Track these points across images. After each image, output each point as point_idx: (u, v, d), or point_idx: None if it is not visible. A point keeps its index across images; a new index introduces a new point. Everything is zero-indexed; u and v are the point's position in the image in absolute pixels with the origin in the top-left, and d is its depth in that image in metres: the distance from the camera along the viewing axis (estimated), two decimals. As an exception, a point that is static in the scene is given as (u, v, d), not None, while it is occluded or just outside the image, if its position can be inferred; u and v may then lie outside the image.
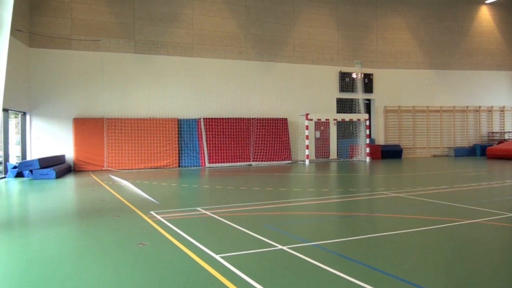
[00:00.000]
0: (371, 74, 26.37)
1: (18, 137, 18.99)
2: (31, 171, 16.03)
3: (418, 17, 27.57)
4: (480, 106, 28.54)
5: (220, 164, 21.22)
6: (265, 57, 23.67)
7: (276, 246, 6.00)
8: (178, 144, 21.09)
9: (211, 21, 22.70)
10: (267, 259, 5.54)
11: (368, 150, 23.76)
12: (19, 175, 16.44)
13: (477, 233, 7.02)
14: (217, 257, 5.51)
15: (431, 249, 6.08)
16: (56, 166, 17.02)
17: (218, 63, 22.57)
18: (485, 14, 28.76)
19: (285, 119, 23.44)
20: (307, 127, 22.40)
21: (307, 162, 22.13)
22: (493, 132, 28.82)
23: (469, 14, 28.44)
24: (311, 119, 22.63)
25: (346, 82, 25.50)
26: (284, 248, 5.91)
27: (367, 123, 24.09)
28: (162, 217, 8.14)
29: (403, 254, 5.84)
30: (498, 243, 6.46)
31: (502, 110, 29.03)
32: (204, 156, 21.20)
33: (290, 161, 22.78)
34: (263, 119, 22.82)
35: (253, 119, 22.58)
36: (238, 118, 22.38)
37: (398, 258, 5.63)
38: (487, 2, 28.43)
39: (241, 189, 12.57)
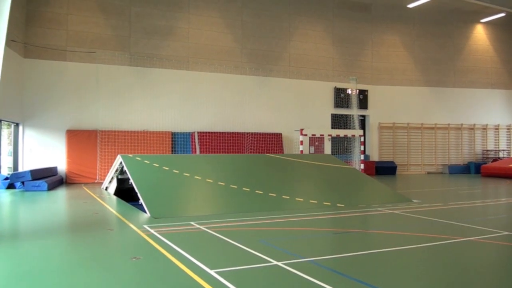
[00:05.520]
0: (366, 90, 26.46)
1: (10, 148, 18.80)
2: (22, 182, 15.81)
3: (414, 35, 27.80)
4: (474, 124, 28.66)
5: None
6: (260, 71, 23.70)
7: (271, 262, 5.90)
8: (172, 157, 20.94)
9: (207, 35, 22.74)
10: (261, 275, 5.44)
11: (362, 166, 23.71)
12: (11, 186, 16.19)
13: (472, 251, 6.96)
14: (212, 272, 5.40)
15: (426, 266, 6.00)
16: (48, 178, 16.81)
17: (213, 77, 22.57)
18: (480, 33, 29.05)
19: (280, 134, 23.40)
20: (301, 143, 22.32)
21: (301, 177, 22.00)
22: (487, 150, 28.91)
23: (464, 32, 28.72)
24: (306, 135, 22.57)
25: (341, 98, 25.56)
26: (279, 263, 5.80)
27: (362, 139, 24.08)
28: (155, 231, 8.01)
29: (398, 271, 5.76)
30: (493, 262, 6.41)
31: (496, 128, 29.18)
32: (198, 170, 21.05)
33: (284, 176, 22.65)
34: (257, 133, 22.77)
35: (247, 133, 22.52)
36: (233, 132, 22.31)
37: (393, 275, 5.55)
38: (482, 21, 28.73)
39: (234, 199, 12.42)
